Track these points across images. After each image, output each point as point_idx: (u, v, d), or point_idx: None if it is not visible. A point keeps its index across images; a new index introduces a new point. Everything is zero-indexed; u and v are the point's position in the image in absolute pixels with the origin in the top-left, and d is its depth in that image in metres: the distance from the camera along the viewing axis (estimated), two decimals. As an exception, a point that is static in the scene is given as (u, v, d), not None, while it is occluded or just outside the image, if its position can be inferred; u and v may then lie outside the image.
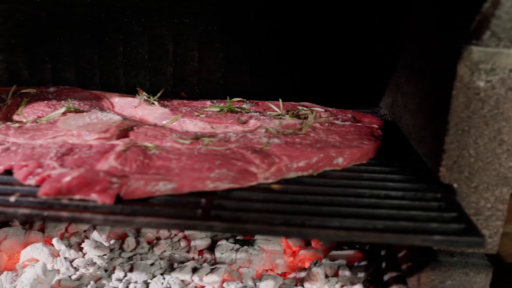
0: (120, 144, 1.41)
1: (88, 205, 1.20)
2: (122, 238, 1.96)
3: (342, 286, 1.74)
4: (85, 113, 1.63)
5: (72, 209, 1.18)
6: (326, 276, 1.77)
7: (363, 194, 1.33)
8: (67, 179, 1.20)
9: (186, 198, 1.26)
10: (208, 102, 1.85)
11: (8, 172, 1.35)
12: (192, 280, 1.73)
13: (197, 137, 1.48)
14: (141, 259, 1.82)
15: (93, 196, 1.21)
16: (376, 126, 1.67)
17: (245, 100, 1.84)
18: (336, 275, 1.78)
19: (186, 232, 1.97)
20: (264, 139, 1.50)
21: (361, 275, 1.77)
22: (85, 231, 2.00)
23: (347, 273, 1.76)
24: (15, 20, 2.05)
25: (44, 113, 1.66)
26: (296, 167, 1.40)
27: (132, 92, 2.06)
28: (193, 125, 1.64)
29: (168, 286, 1.66)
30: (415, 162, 1.54)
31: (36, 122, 1.57)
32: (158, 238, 1.98)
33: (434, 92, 1.40)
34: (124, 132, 1.54)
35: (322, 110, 1.79)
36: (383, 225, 1.18)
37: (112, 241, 1.93)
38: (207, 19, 2.03)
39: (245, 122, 1.66)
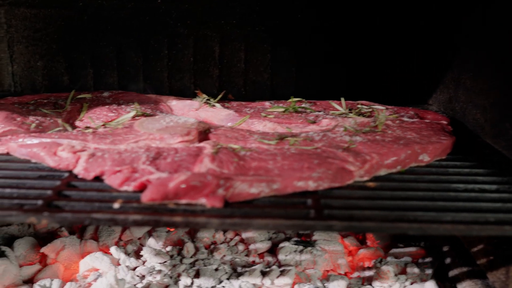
0: (206, 146, 1.38)
1: (196, 209, 1.17)
2: (178, 245, 1.92)
3: (411, 283, 1.74)
4: (157, 117, 1.58)
5: (184, 213, 1.14)
6: (394, 274, 1.77)
7: (458, 189, 1.33)
8: (174, 183, 1.16)
9: (291, 199, 1.24)
10: (267, 103, 1.83)
11: (96, 178, 1.31)
12: (263, 284, 1.70)
13: (281, 137, 1.45)
14: (204, 265, 1.79)
15: (201, 200, 1.18)
16: (445, 122, 1.68)
17: (303, 99, 1.83)
18: (403, 272, 1.78)
19: (244, 235, 1.94)
20: (346, 137, 1.49)
21: (429, 271, 1.77)
22: (139, 238, 1.95)
23: (416, 270, 1.76)
24: (56, 25, 2.00)
25: (108, 118, 1.61)
26: (386, 164, 1.39)
27: (176, 95, 2.02)
28: (262, 126, 1.62)
29: (240, 290, 1.63)
30: (491, 155, 1.55)
31: (106, 127, 1.52)
32: (213, 243, 1.94)
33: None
34: (202, 134, 1.50)
35: (383, 107, 1.79)
36: (494, 218, 1.18)
37: (168, 248, 1.88)
38: (254, 20, 2.01)
39: (314, 122, 1.64)
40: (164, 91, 2.08)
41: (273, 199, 1.23)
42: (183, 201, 1.18)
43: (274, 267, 1.76)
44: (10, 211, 1.13)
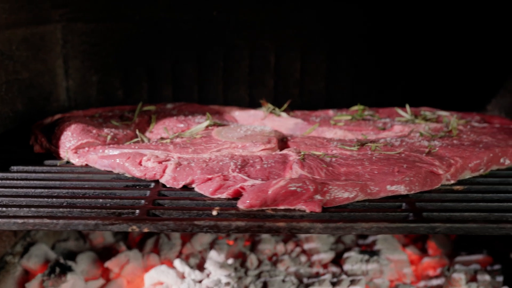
0: (290, 154, 1.37)
1: (295, 215, 1.17)
2: (239, 257, 1.90)
3: (483, 290, 1.72)
4: (231, 126, 1.58)
5: (286, 219, 1.14)
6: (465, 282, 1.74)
7: (546, 191, 1.32)
8: (273, 189, 1.16)
9: (384, 203, 1.23)
10: (330, 111, 1.83)
11: (184, 187, 1.30)
12: (334, 293, 1.68)
13: (362, 143, 1.45)
14: (270, 277, 1.77)
15: (299, 205, 1.17)
16: (515, 126, 1.67)
17: (366, 107, 1.82)
18: (473, 280, 1.75)
19: (306, 247, 1.93)
20: (424, 142, 1.48)
21: (500, 279, 1.75)
22: (200, 251, 1.93)
23: (487, 277, 1.74)
24: (113, 39, 2.00)
25: (178, 129, 1.61)
26: (469, 167, 1.39)
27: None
28: (333, 134, 1.62)
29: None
30: None
31: (182, 137, 1.51)
32: (275, 255, 1.93)
33: None
34: (280, 142, 1.50)
35: (448, 113, 1.78)
36: None
37: (230, 261, 1.87)
38: (310, 29, 2.01)
39: (384, 128, 1.64)
40: (219, 103, 2.07)
41: (367, 204, 1.23)
42: (281, 207, 1.18)
43: (343, 276, 1.74)
44: (112, 220, 1.12)
